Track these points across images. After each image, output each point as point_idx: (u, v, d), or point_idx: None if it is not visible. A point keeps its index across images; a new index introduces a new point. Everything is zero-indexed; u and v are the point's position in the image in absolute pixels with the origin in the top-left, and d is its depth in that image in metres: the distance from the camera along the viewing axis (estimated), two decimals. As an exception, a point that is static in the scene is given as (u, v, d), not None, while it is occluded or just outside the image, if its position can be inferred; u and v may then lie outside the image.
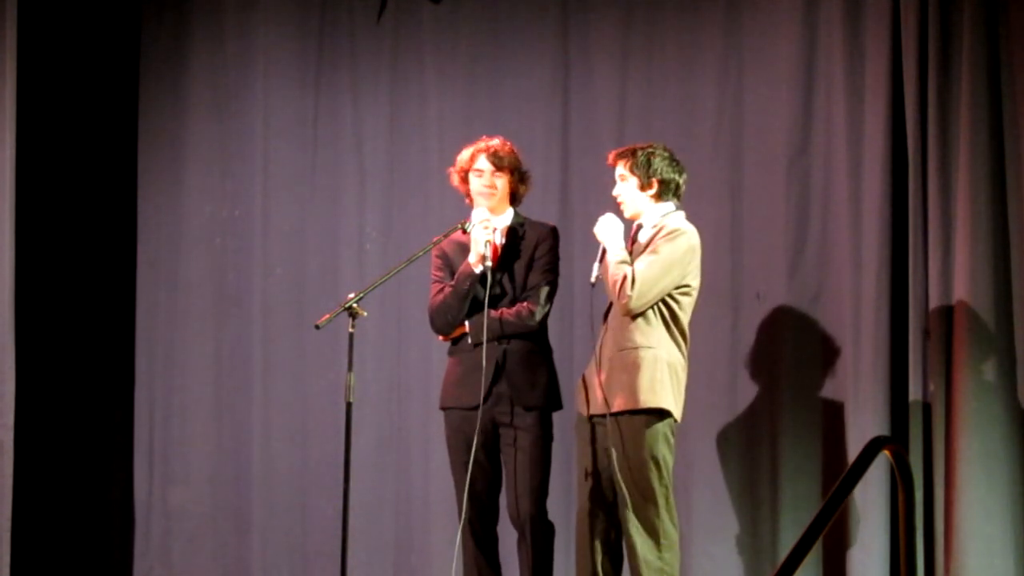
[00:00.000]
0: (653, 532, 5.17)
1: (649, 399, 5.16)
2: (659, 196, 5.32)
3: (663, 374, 5.18)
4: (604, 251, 5.32)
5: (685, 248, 5.24)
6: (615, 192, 5.38)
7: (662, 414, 5.19)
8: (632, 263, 5.24)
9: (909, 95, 5.66)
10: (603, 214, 5.40)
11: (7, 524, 6.50)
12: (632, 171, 5.32)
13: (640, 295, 5.16)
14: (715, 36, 6.20)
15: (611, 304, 5.33)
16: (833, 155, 5.89)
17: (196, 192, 7.15)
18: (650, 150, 5.33)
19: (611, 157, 5.40)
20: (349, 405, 5.42)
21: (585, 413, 5.33)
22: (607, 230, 5.34)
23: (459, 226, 5.55)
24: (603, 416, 5.22)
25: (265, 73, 7.04)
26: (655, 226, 5.30)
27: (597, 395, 5.25)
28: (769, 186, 6.04)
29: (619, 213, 5.41)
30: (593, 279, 5.31)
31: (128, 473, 7.16)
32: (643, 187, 5.31)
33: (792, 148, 5.99)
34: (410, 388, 6.73)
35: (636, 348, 5.19)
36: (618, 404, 5.18)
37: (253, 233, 7.03)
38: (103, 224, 7.23)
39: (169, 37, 7.23)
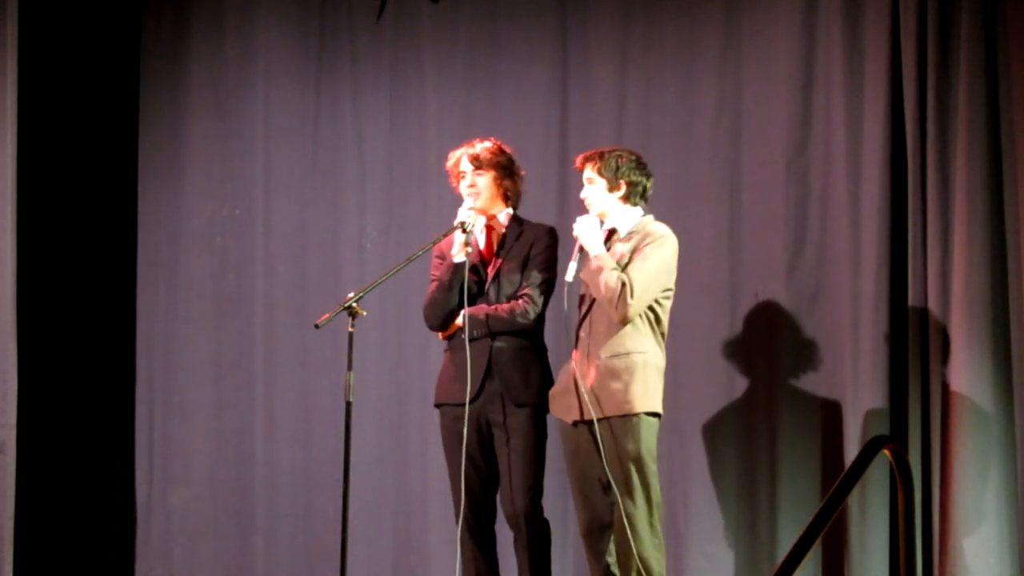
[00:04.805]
0: (653, 529, 5.20)
1: (645, 403, 5.23)
2: (627, 198, 5.36)
3: (654, 379, 5.26)
4: (582, 251, 5.33)
5: (671, 253, 5.32)
6: (583, 195, 5.40)
7: (653, 416, 5.26)
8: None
9: (908, 95, 5.66)
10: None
11: (10, 524, 6.50)
12: (600, 173, 5.36)
13: (638, 302, 5.21)
14: (714, 36, 6.20)
15: (588, 309, 5.33)
16: (832, 155, 5.90)
17: (196, 192, 7.15)
18: (617, 153, 5.38)
19: (579, 161, 5.42)
20: (349, 404, 5.42)
21: (569, 420, 5.32)
22: (588, 231, 5.35)
23: (458, 226, 5.56)
24: (589, 422, 5.22)
25: (265, 73, 7.05)
26: (636, 232, 5.33)
27: (584, 401, 5.24)
28: (768, 186, 6.04)
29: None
30: (571, 278, 5.32)
31: (128, 473, 7.16)
32: (611, 189, 5.36)
33: (791, 148, 5.99)
34: (409, 388, 6.73)
35: (628, 354, 5.23)
36: (613, 409, 5.21)
37: (254, 233, 7.03)
38: (103, 224, 7.23)
39: (169, 37, 7.23)
